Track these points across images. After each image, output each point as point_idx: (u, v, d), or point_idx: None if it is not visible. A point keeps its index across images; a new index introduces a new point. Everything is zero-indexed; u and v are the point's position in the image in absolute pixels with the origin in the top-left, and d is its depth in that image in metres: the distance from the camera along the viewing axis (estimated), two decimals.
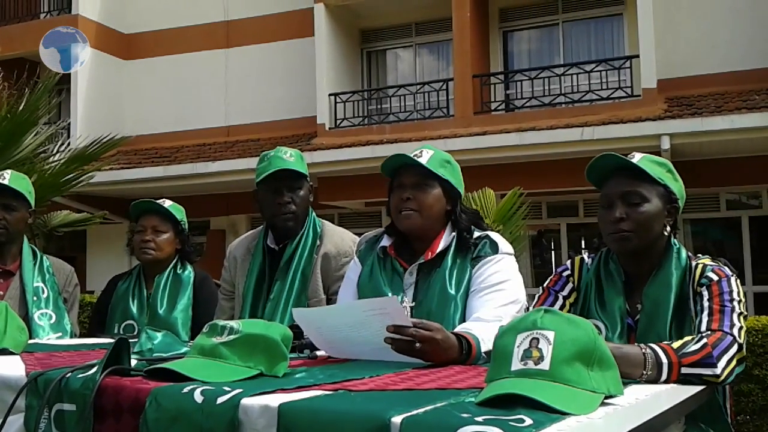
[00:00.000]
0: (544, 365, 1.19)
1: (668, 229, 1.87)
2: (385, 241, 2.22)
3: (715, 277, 1.78)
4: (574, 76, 10.17)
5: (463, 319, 2.02)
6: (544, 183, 9.35)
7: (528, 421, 1.03)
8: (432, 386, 1.33)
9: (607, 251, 1.96)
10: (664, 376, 1.53)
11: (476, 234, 2.16)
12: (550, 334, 1.22)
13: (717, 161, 9.42)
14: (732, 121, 8.50)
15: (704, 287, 1.77)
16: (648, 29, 9.30)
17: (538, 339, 1.22)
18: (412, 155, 2.14)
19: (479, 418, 1.02)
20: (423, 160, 2.13)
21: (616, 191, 1.85)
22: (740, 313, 1.71)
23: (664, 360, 1.54)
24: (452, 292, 2.05)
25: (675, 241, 1.89)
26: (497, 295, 2.01)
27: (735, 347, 1.63)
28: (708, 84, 9.51)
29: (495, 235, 2.17)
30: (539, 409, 1.09)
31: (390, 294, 2.07)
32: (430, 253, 2.12)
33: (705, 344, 1.59)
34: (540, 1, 11.03)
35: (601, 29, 10.95)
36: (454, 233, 2.15)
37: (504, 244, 2.14)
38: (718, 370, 1.57)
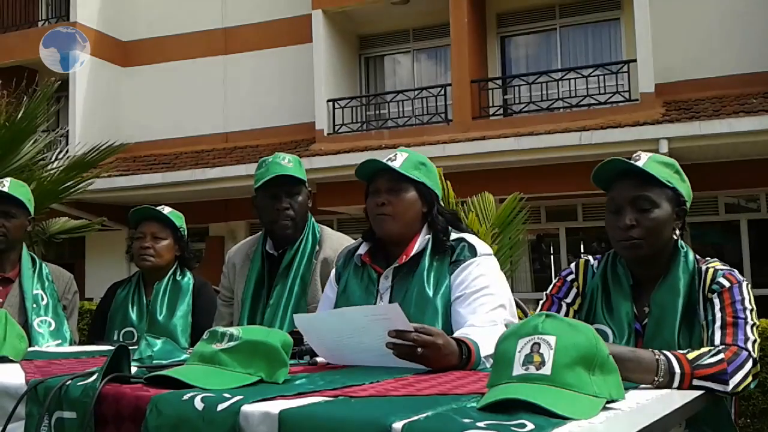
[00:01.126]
0: (546, 370, 1.18)
1: (677, 232, 1.82)
2: (362, 249, 2.20)
3: (727, 284, 1.73)
4: (572, 81, 10.19)
5: (445, 323, 1.99)
6: (542, 187, 9.35)
7: (529, 426, 1.03)
8: (433, 392, 1.32)
9: (613, 254, 1.91)
10: (675, 385, 1.51)
11: (453, 236, 2.12)
12: (552, 339, 1.21)
13: (715, 165, 9.44)
14: (730, 124, 8.52)
15: (715, 294, 1.72)
16: (645, 33, 9.33)
17: (539, 344, 1.22)
18: (385, 160, 2.11)
19: (481, 423, 1.02)
20: (396, 164, 2.10)
21: (625, 196, 1.80)
22: (753, 324, 1.67)
23: (677, 370, 1.51)
24: (430, 293, 2.02)
25: (682, 243, 1.84)
26: (486, 299, 1.98)
27: (750, 363, 1.59)
28: (706, 88, 9.53)
29: (471, 238, 2.13)
30: (541, 414, 1.09)
31: (364, 303, 2.03)
32: (404, 257, 2.10)
33: (721, 359, 1.56)
34: (537, 7, 11.06)
35: (599, 34, 10.98)
36: (429, 235, 2.12)
37: (481, 246, 2.11)
38: (728, 387, 1.54)
